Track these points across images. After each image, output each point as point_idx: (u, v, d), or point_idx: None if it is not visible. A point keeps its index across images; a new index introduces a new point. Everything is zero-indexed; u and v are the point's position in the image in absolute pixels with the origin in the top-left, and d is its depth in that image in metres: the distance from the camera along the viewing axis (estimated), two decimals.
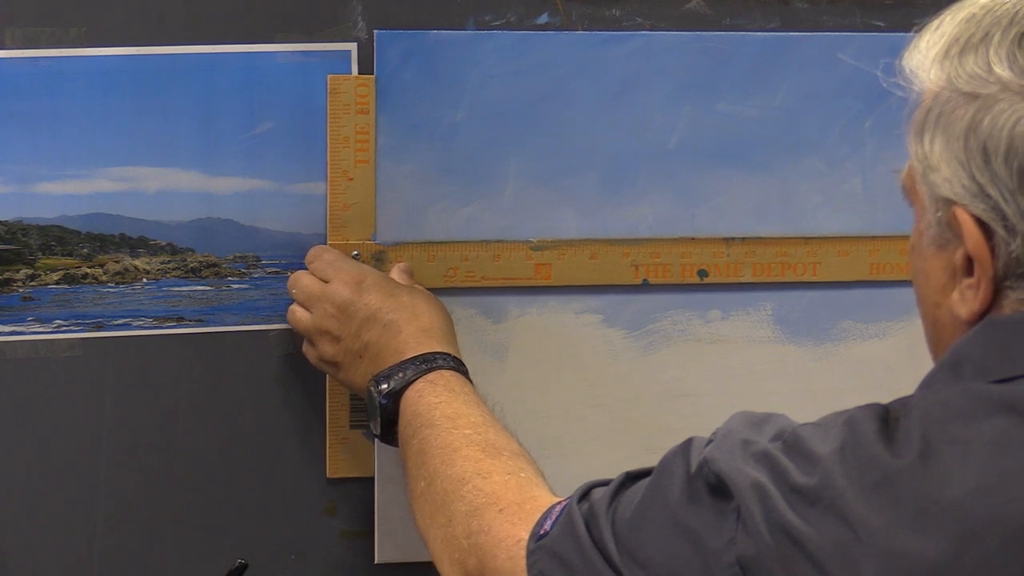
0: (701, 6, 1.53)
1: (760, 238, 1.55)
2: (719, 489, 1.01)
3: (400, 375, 1.34)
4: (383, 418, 1.35)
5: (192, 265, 1.47)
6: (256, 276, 1.48)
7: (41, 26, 1.40)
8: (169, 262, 1.47)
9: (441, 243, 1.50)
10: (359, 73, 1.46)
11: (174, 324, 1.48)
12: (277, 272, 1.48)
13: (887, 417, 0.99)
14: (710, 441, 1.05)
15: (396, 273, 1.46)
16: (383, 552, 1.52)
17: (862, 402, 1.04)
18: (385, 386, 1.35)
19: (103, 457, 1.47)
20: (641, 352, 1.56)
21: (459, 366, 1.36)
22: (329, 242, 1.47)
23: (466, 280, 1.51)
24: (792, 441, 1.01)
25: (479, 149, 1.50)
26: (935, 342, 1.07)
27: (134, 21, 1.42)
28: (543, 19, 1.50)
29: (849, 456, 0.97)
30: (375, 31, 1.46)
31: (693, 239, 1.54)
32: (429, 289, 1.46)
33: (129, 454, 1.48)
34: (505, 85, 1.50)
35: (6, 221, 1.42)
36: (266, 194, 1.47)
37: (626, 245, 1.52)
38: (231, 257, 1.48)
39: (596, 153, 1.50)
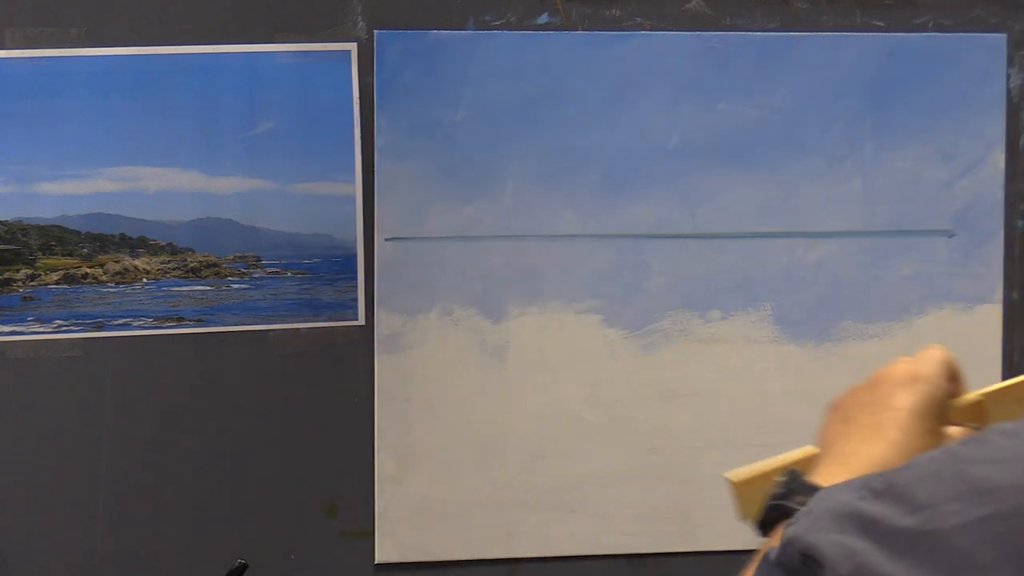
0: (701, 6, 1.53)
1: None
2: (806, 564, 0.92)
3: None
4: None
5: (192, 265, 1.47)
6: (256, 276, 1.48)
7: (41, 26, 1.40)
8: (169, 262, 1.47)
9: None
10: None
11: (174, 324, 1.48)
12: (277, 272, 1.48)
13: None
14: (791, 524, 0.96)
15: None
16: (383, 552, 1.52)
17: None
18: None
19: (103, 457, 1.47)
20: (641, 352, 1.56)
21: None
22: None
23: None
24: (883, 488, 0.94)
25: (479, 149, 1.50)
26: None
27: (134, 21, 1.42)
28: (543, 19, 1.50)
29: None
30: (375, 31, 1.46)
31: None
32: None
33: (129, 454, 1.48)
34: (505, 85, 1.50)
35: (6, 221, 1.42)
36: (266, 194, 1.47)
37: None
38: (231, 257, 1.48)
39: (596, 153, 1.50)
